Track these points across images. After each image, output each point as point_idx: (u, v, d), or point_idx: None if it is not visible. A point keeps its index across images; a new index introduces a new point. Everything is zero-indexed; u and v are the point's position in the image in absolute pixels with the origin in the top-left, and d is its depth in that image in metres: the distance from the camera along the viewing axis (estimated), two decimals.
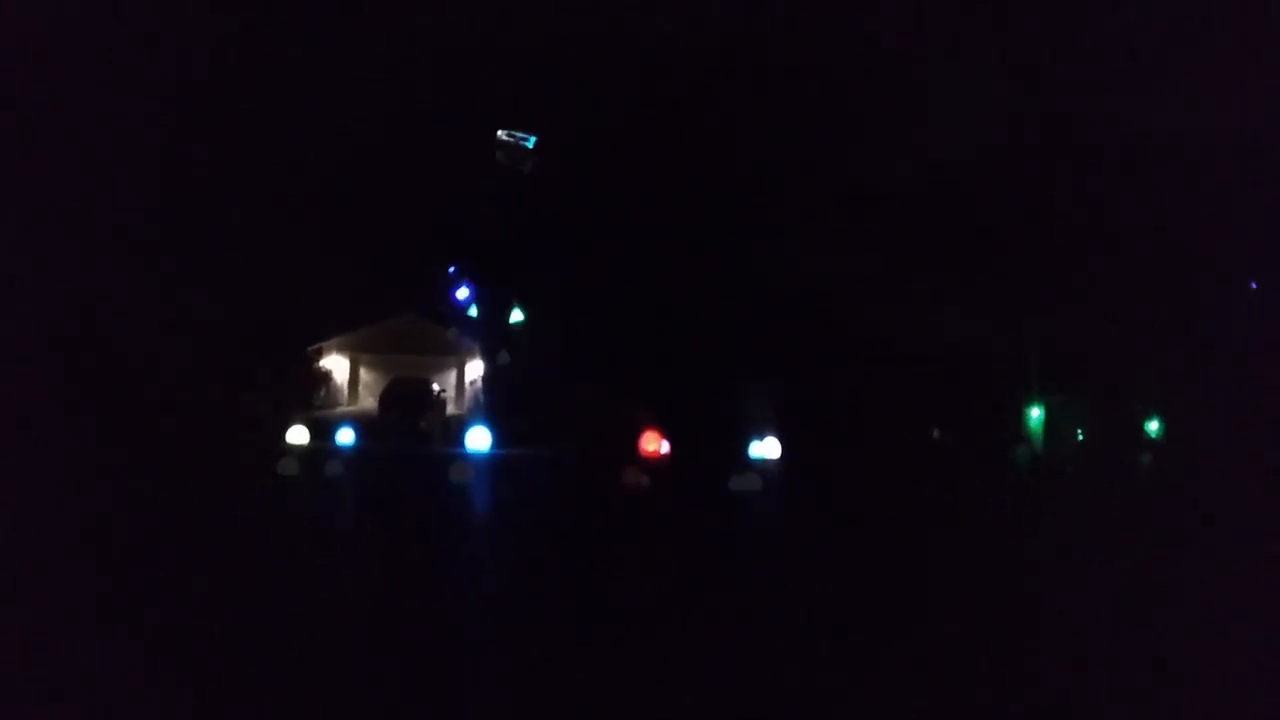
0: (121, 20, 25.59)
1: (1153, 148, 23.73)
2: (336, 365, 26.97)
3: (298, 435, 19.59)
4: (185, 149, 27.46)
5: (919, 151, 24.56)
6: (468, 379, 26.37)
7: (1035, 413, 23.41)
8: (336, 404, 25.94)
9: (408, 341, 26.97)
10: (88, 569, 7.08)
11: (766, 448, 18.85)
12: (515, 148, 25.78)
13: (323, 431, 20.28)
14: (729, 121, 25.03)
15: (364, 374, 26.84)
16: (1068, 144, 24.44)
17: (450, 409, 24.99)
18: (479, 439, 18.33)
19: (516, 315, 28.19)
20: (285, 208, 28.41)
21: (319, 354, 26.84)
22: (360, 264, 29.18)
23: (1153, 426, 22.53)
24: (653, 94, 25.50)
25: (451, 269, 31.06)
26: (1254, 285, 23.95)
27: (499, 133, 24.37)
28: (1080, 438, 22.71)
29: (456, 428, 20.76)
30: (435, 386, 25.21)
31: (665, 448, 18.37)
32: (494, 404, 22.82)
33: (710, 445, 17.73)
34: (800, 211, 23.79)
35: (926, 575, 8.21)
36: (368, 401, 25.56)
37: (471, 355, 26.66)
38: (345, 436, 19.83)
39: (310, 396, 24.66)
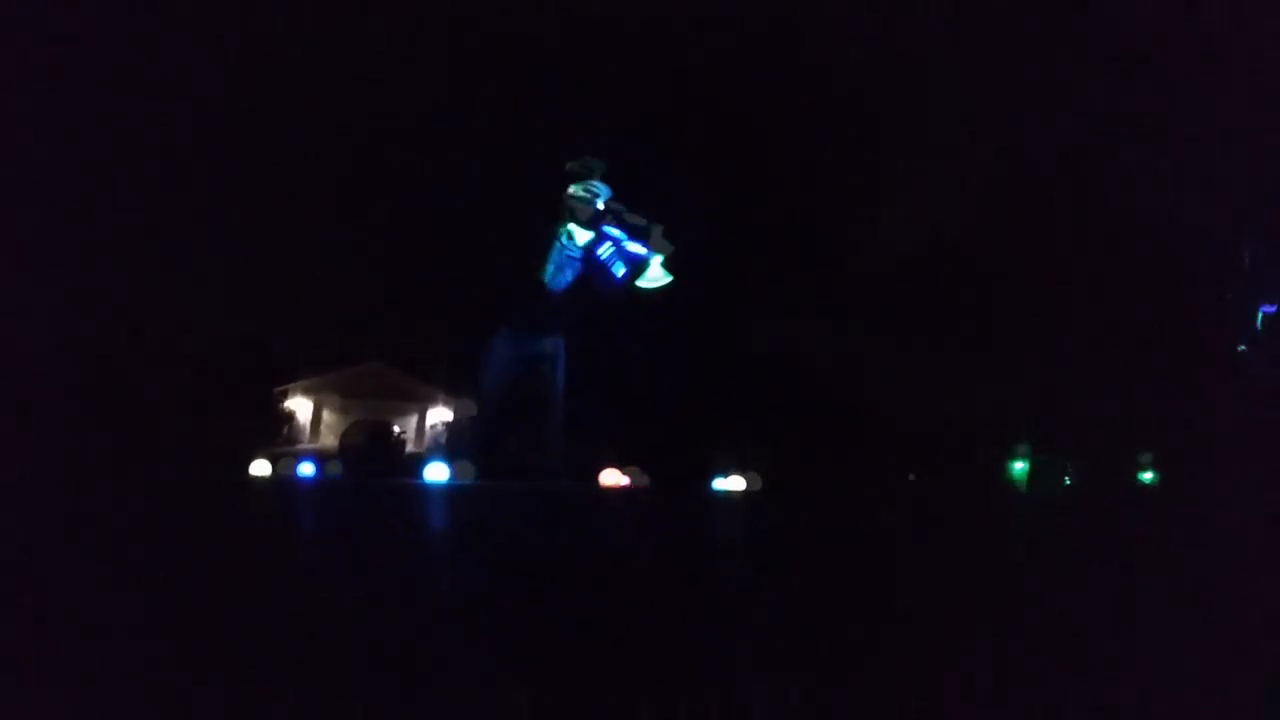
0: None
1: (1147, 210, 24.11)
2: (300, 406, 27.82)
3: (260, 468, 20.34)
4: (166, 180, 28.40)
5: (901, 213, 25.41)
6: (428, 423, 27.31)
7: (1019, 465, 23.85)
8: (298, 441, 26.70)
9: (371, 387, 27.96)
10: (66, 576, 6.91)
11: (732, 484, 19.65)
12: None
13: (284, 463, 21.04)
14: (703, 173, 25.92)
15: (326, 415, 27.69)
16: (1053, 203, 25.00)
17: (410, 448, 25.92)
18: (437, 472, 19.15)
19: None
20: (264, 252, 29.36)
21: (284, 395, 27.69)
22: (330, 312, 30.20)
23: (1147, 476, 22.09)
24: (631, 140, 26.24)
25: None
26: (1263, 312, 23.62)
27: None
28: (1068, 483, 22.89)
29: (414, 465, 21.57)
30: (396, 429, 26.14)
31: (625, 481, 19.18)
32: (469, 435, 23.32)
33: (675, 482, 18.42)
34: (781, 268, 24.65)
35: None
36: (329, 440, 26.37)
37: (433, 402, 27.65)
38: (306, 469, 20.59)
39: (274, 433, 25.44)
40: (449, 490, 16.87)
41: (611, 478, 18.93)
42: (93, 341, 22.98)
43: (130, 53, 25.87)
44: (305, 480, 19.28)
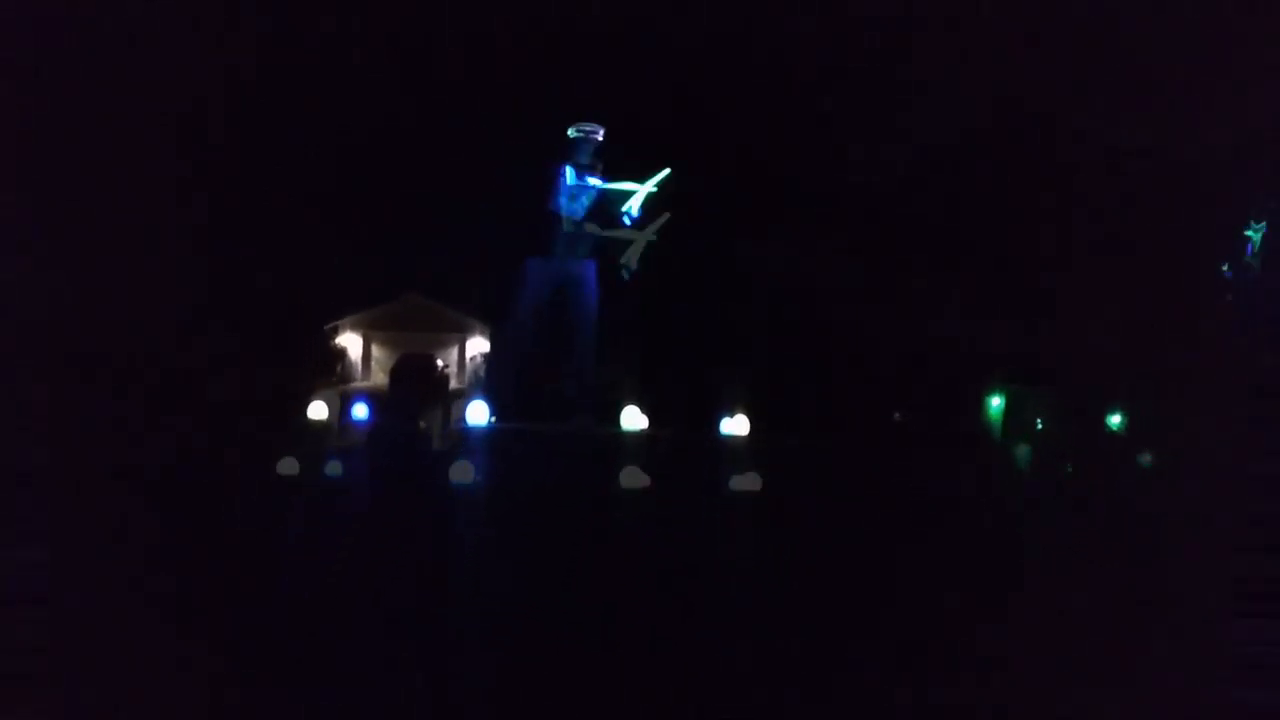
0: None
1: (1131, 150, 24.03)
2: (351, 343, 29.54)
3: (318, 410, 22.26)
4: (203, 137, 29.44)
5: (887, 149, 25.84)
6: (468, 355, 28.97)
7: (995, 401, 24.94)
8: (352, 379, 28.57)
9: (414, 320, 29.53)
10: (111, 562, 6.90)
11: (736, 425, 21.11)
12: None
13: (340, 406, 22.92)
14: (702, 121, 26.48)
15: (375, 350, 29.42)
16: (1042, 142, 25.03)
17: (453, 384, 27.70)
18: (477, 413, 20.92)
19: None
20: (299, 198, 30.64)
21: (335, 332, 29.40)
22: (370, 248, 31.61)
23: (1114, 420, 23.15)
24: (628, 90, 26.49)
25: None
26: (1227, 273, 24.17)
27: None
28: (1040, 427, 23.87)
29: (457, 407, 23.19)
30: (440, 363, 27.86)
31: (644, 423, 20.84)
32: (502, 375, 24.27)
33: (684, 423, 20.08)
34: (766, 208, 25.52)
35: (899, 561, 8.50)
36: (380, 377, 28.21)
37: (472, 333, 29.22)
38: (360, 412, 22.47)
39: (330, 371, 27.32)
40: (489, 433, 18.17)
41: (631, 418, 20.56)
42: (143, 300, 24.45)
43: (149, 34, 26.68)
44: (360, 425, 21.14)
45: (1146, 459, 19.54)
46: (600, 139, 21.92)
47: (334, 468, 14.71)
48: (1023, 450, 21.79)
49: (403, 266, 31.14)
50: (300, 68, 29.27)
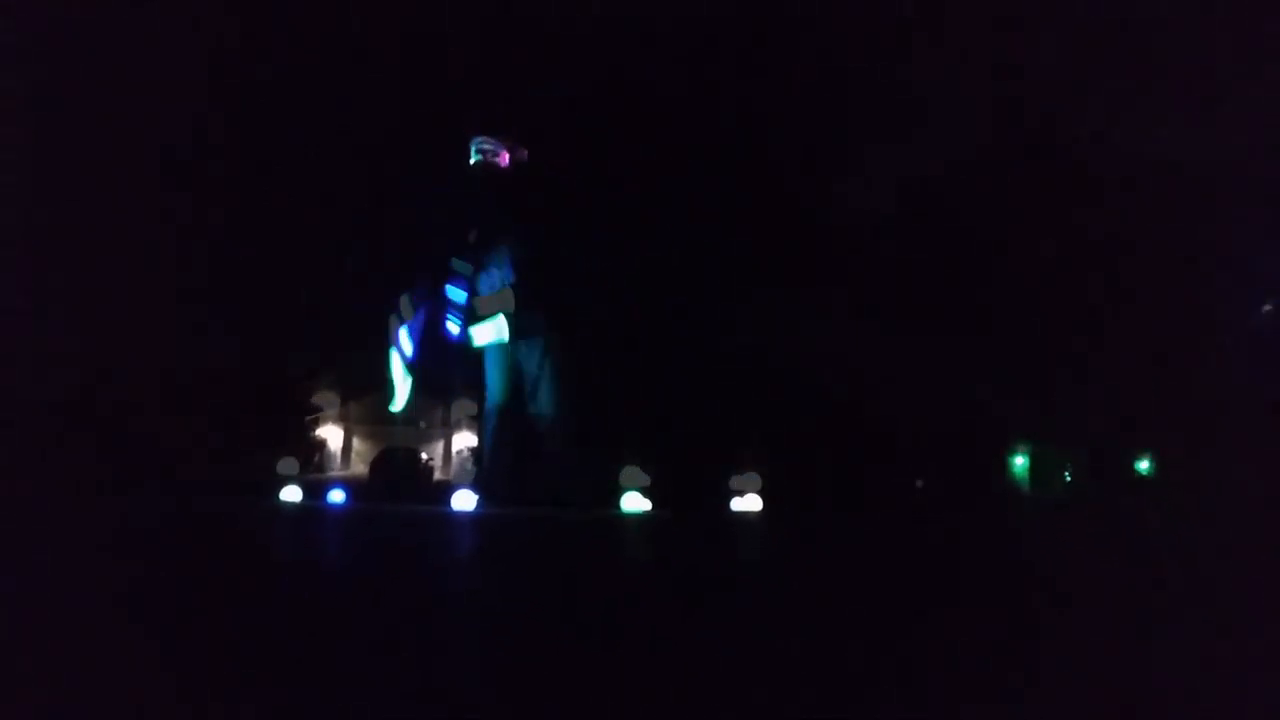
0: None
1: (1141, 184, 24.15)
2: (330, 434, 28.43)
3: (291, 494, 20.83)
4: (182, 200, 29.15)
5: (897, 203, 25.60)
6: (454, 449, 27.80)
7: (1020, 460, 24.01)
8: (330, 469, 27.27)
9: (399, 414, 28.53)
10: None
11: (746, 504, 19.97)
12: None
13: (315, 492, 21.51)
14: (703, 167, 26.17)
15: (356, 443, 28.28)
16: (1048, 197, 25.20)
17: (437, 475, 26.43)
18: (464, 500, 19.56)
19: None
20: (283, 276, 30.08)
21: (315, 423, 28.29)
22: (357, 336, 30.79)
23: (1143, 465, 23.00)
24: (630, 131, 26.31)
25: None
26: (1263, 308, 23.40)
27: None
28: (1069, 479, 23.48)
29: (442, 492, 21.96)
30: (424, 456, 26.69)
31: (646, 505, 19.56)
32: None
33: (691, 488, 18.79)
34: (778, 271, 24.91)
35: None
36: (359, 468, 26.92)
37: (458, 428, 28.16)
38: (337, 496, 21.08)
39: (307, 460, 26.02)
40: (473, 519, 17.18)
41: (634, 502, 19.22)
42: (117, 377, 23.60)
43: (150, 58, 26.58)
44: (335, 507, 19.75)
45: (1179, 497, 18.91)
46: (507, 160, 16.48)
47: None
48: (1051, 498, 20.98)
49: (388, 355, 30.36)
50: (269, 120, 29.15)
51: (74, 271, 24.41)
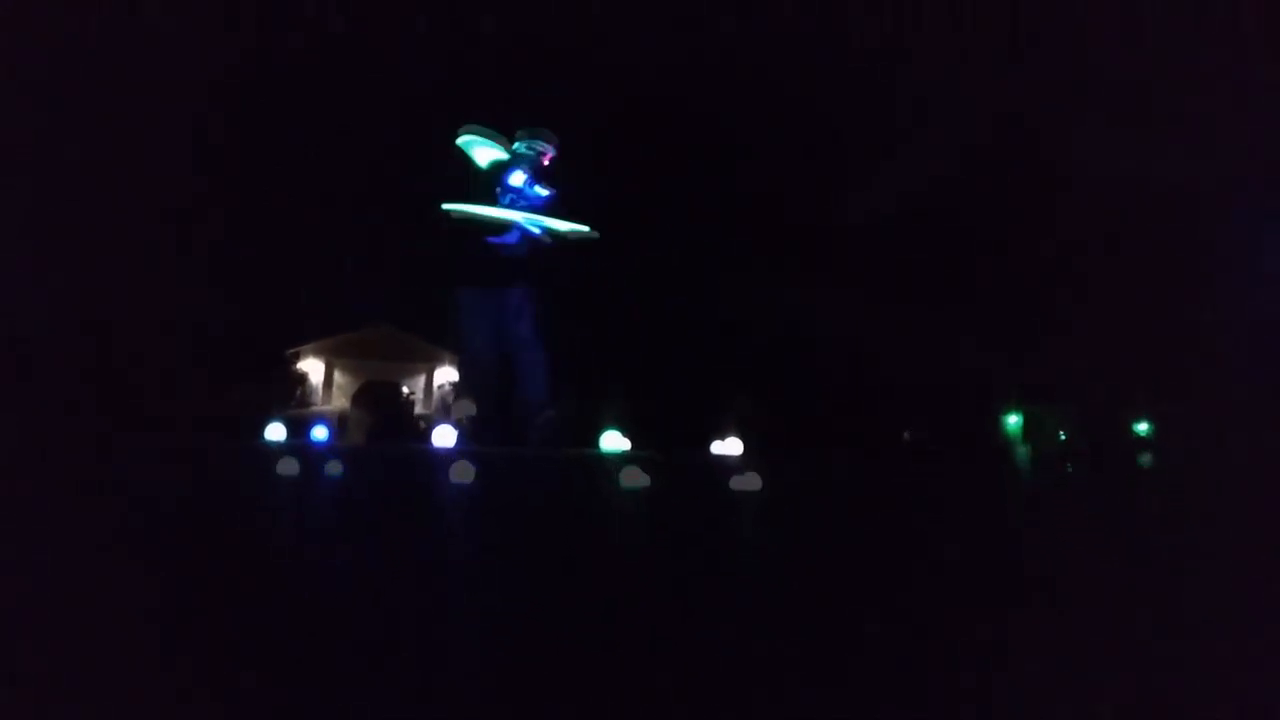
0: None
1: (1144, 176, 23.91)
2: (312, 368, 28.59)
3: (276, 432, 21.19)
4: (178, 152, 29.06)
5: (897, 171, 25.68)
6: (435, 383, 28.10)
7: (1013, 419, 24.32)
8: (311, 403, 27.55)
9: (380, 349, 28.69)
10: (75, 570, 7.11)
11: (728, 448, 20.28)
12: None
13: (298, 428, 21.91)
14: (705, 143, 26.26)
15: (338, 376, 28.47)
16: (1052, 162, 25.24)
17: (419, 409, 26.80)
18: (444, 436, 20.02)
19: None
20: (272, 219, 30.14)
21: (296, 357, 28.45)
22: (340, 275, 30.99)
23: (1142, 427, 22.94)
24: (636, 110, 26.34)
25: None
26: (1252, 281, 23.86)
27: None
28: (1063, 438, 23.51)
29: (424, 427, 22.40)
30: (405, 389, 27.05)
31: (625, 445, 19.94)
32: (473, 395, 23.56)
33: (674, 444, 19.14)
34: (776, 232, 25.17)
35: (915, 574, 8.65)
36: (341, 401, 27.23)
37: (440, 362, 28.38)
38: (320, 433, 21.51)
39: (288, 396, 26.30)
40: (453, 456, 17.38)
41: (613, 441, 19.62)
42: (103, 317, 23.84)
43: (128, 39, 26.38)
44: (319, 445, 20.16)
45: (1179, 460, 18.92)
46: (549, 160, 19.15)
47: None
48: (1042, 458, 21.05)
49: (378, 295, 30.53)
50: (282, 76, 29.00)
51: (67, 236, 24.67)
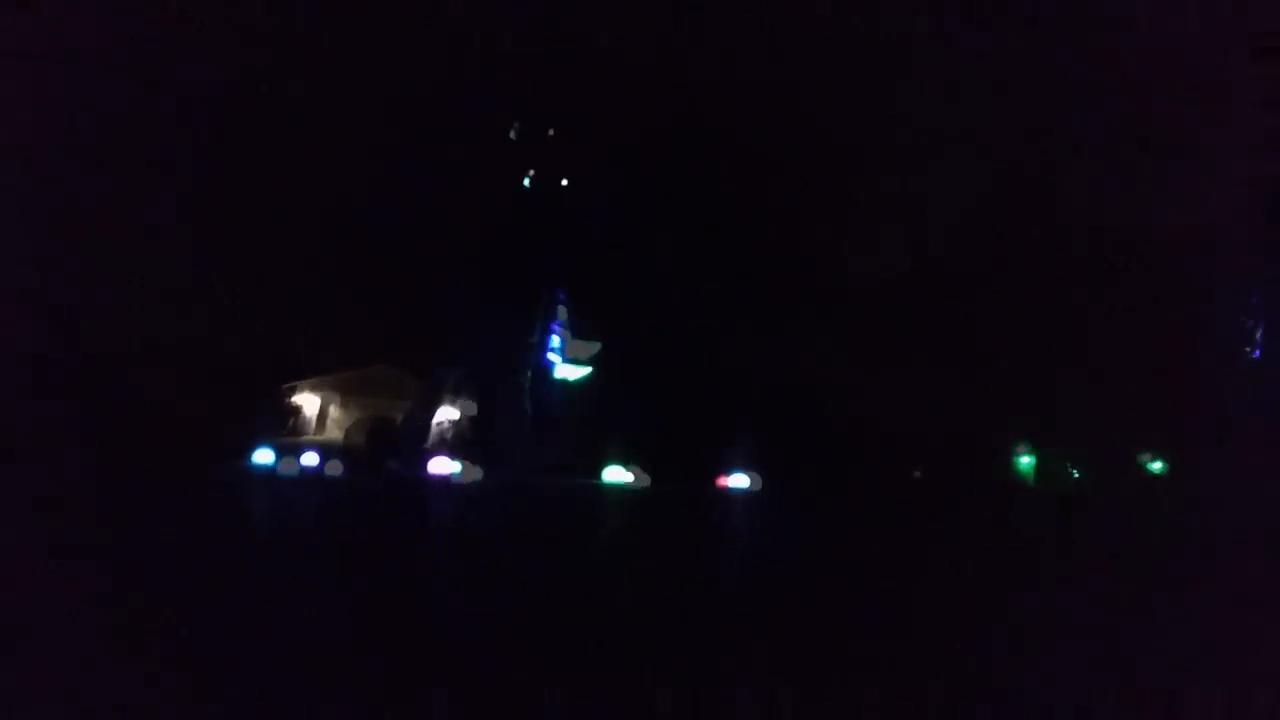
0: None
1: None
2: (307, 402, 27.78)
3: (264, 456, 20.29)
4: (173, 184, 28.78)
5: (902, 215, 25.50)
6: (434, 421, 27.22)
7: (1025, 459, 23.70)
8: (303, 433, 26.67)
9: (377, 387, 27.97)
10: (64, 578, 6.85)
11: (736, 482, 19.68)
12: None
13: (288, 454, 20.96)
14: (718, 188, 26.04)
15: (332, 410, 27.64)
16: (1054, 203, 25.17)
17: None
18: (442, 465, 19.17)
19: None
20: (277, 251, 29.67)
21: (293, 390, 27.67)
22: (340, 314, 30.36)
23: (1156, 465, 22.60)
24: (636, 161, 26.33)
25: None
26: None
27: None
28: (1075, 475, 23.07)
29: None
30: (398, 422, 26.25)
31: (629, 478, 19.24)
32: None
33: (681, 478, 18.52)
34: (789, 278, 24.76)
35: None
36: (334, 433, 26.37)
37: (438, 401, 27.54)
38: (309, 459, 20.57)
39: (281, 425, 25.43)
40: (455, 485, 16.81)
41: (616, 474, 18.91)
42: (103, 345, 23.20)
43: (139, 56, 26.27)
44: (308, 471, 19.20)
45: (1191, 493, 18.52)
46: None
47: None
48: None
49: (373, 333, 29.89)
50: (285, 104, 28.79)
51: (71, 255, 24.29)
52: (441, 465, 19.13)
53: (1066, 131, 24.25)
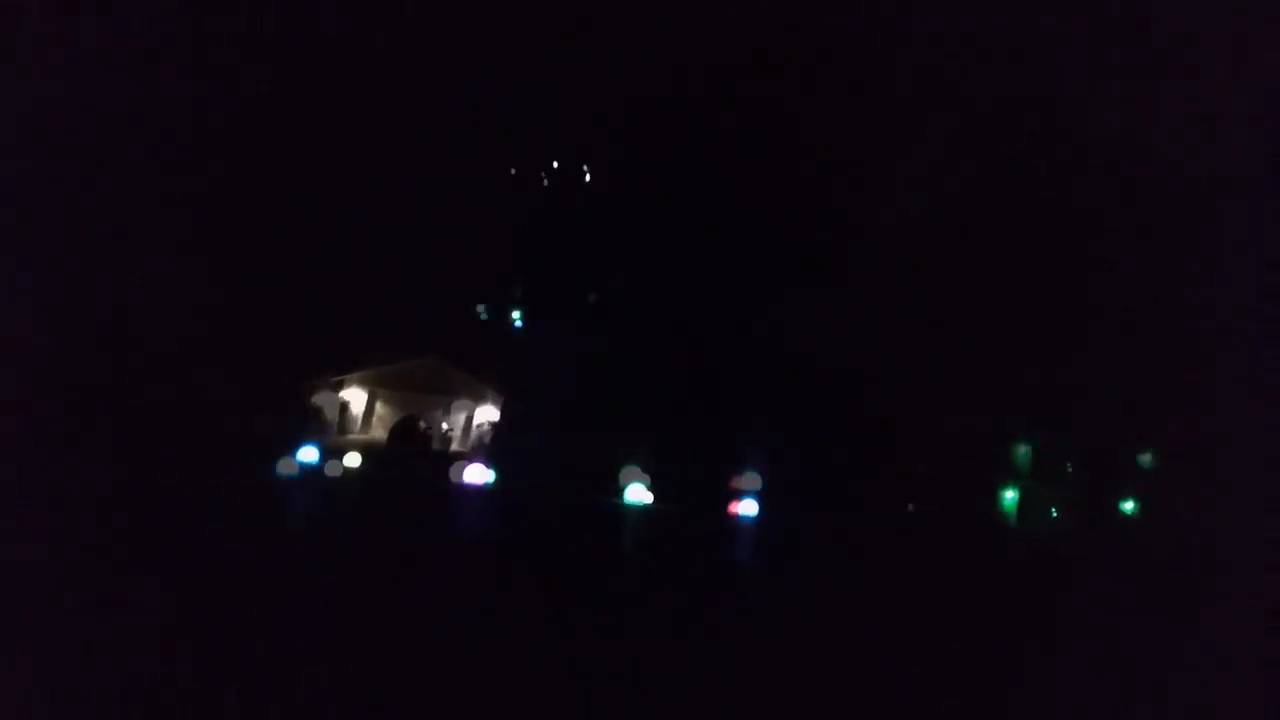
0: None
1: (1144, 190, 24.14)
2: (355, 397, 28.29)
3: (307, 455, 20.84)
4: (218, 175, 29.42)
5: (902, 210, 25.34)
6: (475, 421, 27.57)
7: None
8: (350, 432, 27.21)
9: (425, 381, 28.29)
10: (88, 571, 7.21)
11: (745, 507, 19.89)
12: None
13: (332, 455, 21.52)
14: (721, 174, 26.03)
15: (379, 408, 28.12)
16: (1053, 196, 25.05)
17: (455, 446, 26.35)
18: (475, 473, 19.51)
19: None
20: (322, 243, 30.27)
21: (340, 385, 28.20)
22: (390, 304, 30.91)
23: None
24: (643, 137, 26.44)
25: None
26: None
27: None
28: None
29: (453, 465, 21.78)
30: (445, 426, 26.62)
31: (649, 497, 19.47)
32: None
33: (691, 487, 18.76)
34: (788, 268, 24.72)
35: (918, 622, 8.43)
36: (379, 432, 26.87)
37: (482, 399, 27.88)
38: (351, 460, 21.12)
39: (326, 423, 26.00)
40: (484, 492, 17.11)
41: (637, 493, 19.18)
42: (149, 343, 23.86)
43: (160, 52, 26.83)
44: (349, 472, 19.71)
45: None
46: None
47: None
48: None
49: (424, 325, 30.32)
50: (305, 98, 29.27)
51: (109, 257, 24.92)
52: (475, 473, 19.48)
53: (1078, 116, 24.02)
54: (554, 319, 22.11)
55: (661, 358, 22.61)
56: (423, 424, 27.01)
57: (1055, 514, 22.69)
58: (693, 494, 18.26)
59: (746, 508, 14.17)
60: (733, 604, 8.14)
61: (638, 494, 18.51)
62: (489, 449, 24.25)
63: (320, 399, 27.00)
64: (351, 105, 30.36)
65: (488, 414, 27.42)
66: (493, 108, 29.98)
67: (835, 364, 22.58)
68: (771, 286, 24.52)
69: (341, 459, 21.05)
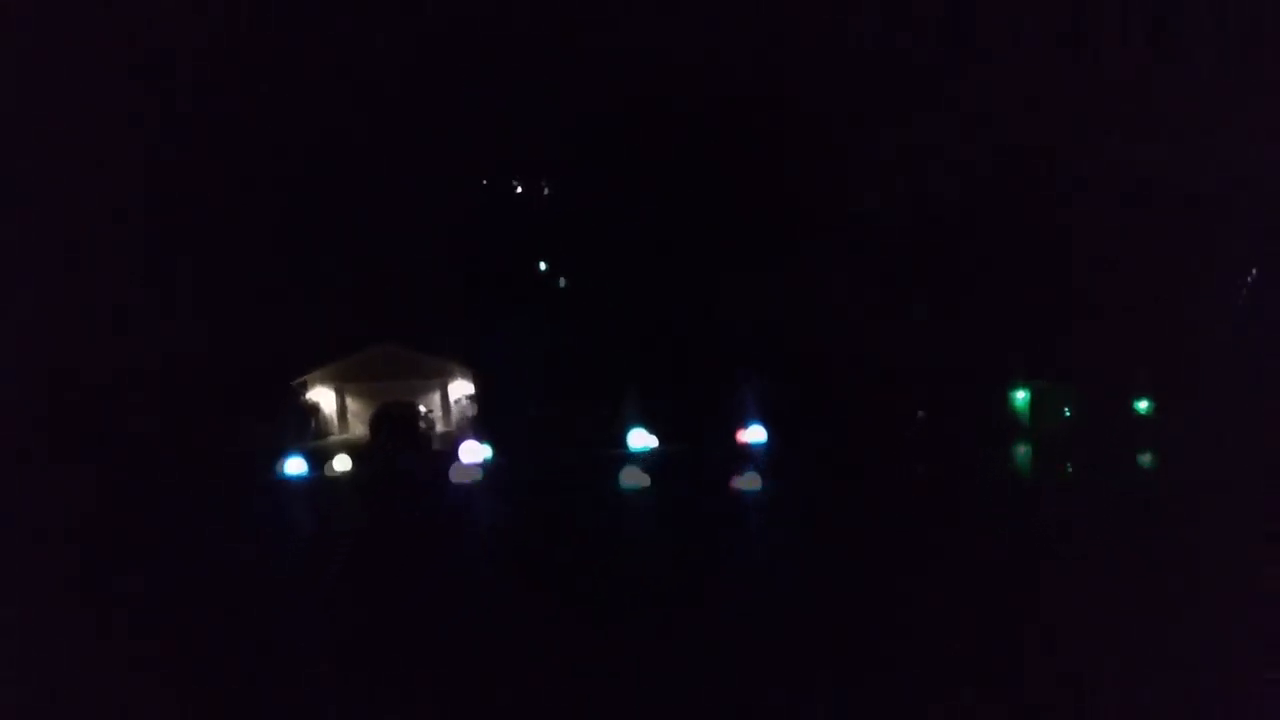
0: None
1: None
2: (323, 396, 27.68)
3: (295, 466, 20.33)
4: (169, 174, 28.70)
5: (906, 158, 25.73)
6: (452, 398, 27.19)
7: (1020, 395, 24.17)
8: (328, 433, 26.69)
9: (389, 368, 27.73)
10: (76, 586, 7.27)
11: (753, 434, 20.17)
12: None
13: (318, 461, 21.02)
14: (727, 141, 26.37)
15: (350, 403, 27.59)
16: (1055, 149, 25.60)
17: (439, 427, 25.98)
18: (471, 451, 19.26)
19: None
20: (261, 242, 29.54)
21: (304, 386, 27.55)
22: (338, 295, 30.26)
23: (1142, 405, 22.73)
24: (658, 107, 26.69)
25: None
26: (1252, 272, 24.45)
27: None
28: (1068, 414, 23.40)
29: (444, 452, 21.50)
30: (422, 408, 26.15)
31: (654, 443, 19.60)
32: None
33: (701, 436, 18.97)
34: (792, 220, 25.04)
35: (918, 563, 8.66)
36: (357, 429, 26.36)
37: (450, 376, 27.48)
38: (341, 464, 20.62)
39: (303, 428, 25.38)
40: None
41: (640, 439, 19.25)
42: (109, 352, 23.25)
43: (130, 52, 25.97)
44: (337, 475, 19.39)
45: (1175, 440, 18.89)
46: None
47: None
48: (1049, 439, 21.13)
49: (375, 315, 29.70)
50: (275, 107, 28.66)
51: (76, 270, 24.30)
52: (471, 451, 19.21)
53: (1072, 77, 24.51)
54: (538, 291, 22.15)
55: (654, 321, 22.77)
56: (423, 408, 26.60)
57: (1068, 413, 23.04)
58: (697, 437, 18.41)
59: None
60: (733, 600, 8.13)
61: (641, 439, 18.57)
62: (476, 424, 23.97)
63: (293, 404, 26.38)
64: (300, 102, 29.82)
65: (461, 389, 27.06)
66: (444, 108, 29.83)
67: (831, 316, 22.89)
68: (767, 247, 24.85)
69: (331, 463, 20.60)
